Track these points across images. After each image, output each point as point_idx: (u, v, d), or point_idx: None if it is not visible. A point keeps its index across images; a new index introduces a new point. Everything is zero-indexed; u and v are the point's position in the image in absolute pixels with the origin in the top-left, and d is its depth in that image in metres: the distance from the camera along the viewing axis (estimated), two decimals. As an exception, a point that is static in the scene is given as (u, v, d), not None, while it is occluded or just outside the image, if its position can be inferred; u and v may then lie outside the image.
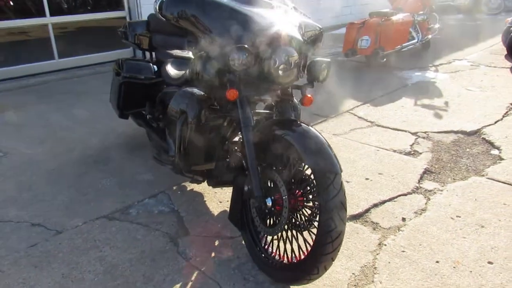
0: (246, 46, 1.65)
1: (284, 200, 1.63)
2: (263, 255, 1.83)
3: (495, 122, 3.48)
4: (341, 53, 5.81)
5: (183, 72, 2.50)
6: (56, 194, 2.51)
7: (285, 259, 1.74)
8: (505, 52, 6.06)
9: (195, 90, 1.93)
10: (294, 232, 1.72)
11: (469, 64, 5.58)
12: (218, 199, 2.44)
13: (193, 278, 1.81)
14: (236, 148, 2.12)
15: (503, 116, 3.61)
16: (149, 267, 1.88)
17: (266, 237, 1.87)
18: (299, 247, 1.67)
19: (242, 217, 1.93)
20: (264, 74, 1.75)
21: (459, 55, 6.15)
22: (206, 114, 1.89)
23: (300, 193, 1.66)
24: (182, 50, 2.85)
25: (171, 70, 2.58)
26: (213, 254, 1.96)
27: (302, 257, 1.64)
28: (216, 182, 2.14)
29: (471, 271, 1.79)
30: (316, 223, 1.62)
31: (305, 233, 1.67)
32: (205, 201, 2.43)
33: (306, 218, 1.67)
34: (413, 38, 5.83)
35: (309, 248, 1.61)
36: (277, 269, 1.74)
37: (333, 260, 1.53)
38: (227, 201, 2.41)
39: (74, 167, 2.86)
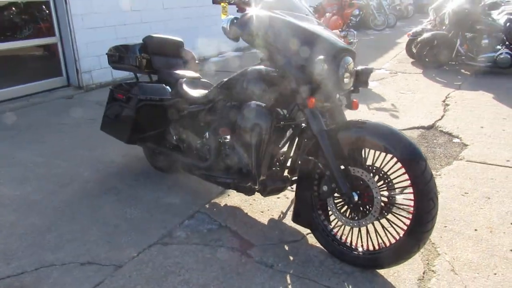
0: (323, 57, 1.83)
1: (374, 191, 1.82)
2: (344, 248, 1.98)
3: (442, 117, 4.12)
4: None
5: (206, 91, 2.55)
6: (85, 230, 2.32)
7: (370, 246, 1.92)
8: (410, 60, 7.09)
9: (260, 104, 2.03)
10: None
11: (388, 72, 6.40)
12: (259, 209, 2.51)
13: (288, 281, 1.89)
14: (286, 155, 2.25)
15: (444, 112, 4.29)
16: (240, 281, 1.89)
17: (343, 230, 2.02)
18: (386, 231, 1.87)
19: (313, 217, 2.07)
20: (330, 83, 1.94)
21: (375, 65, 6.99)
22: (275, 125, 2.00)
23: (383, 183, 1.87)
24: (181, 70, 2.88)
25: (190, 90, 2.60)
26: (291, 258, 2.05)
27: (392, 241, 1.85)
28: (269, 190, 2.23)
29: (504, 232, 2.19)
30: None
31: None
32: (246, 213, 2.48)
33: (385, 205, 1.88)
34: (339, 52, 6.48)
35: (399, 231, 1.82)
36: (367, 257, 1.91)
37: (430, 236, 1.76)
38: (268, 210, 2.51)
39: (84, 201, 2.65)
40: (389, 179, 1.89)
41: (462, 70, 6.25)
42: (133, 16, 6.22)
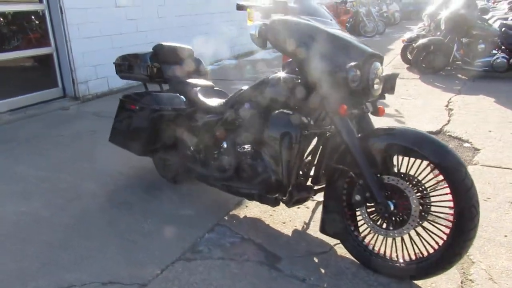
0: (357, 63, 1.78)
1: (411, 200, 1.77)
2: (378, 258, 1.92)
3: (448, 122, 4.12)
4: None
5: (222, 99, 2.48)
6: (102, 247, 2.21)
7: (406, 256, 1.86)
8: (405, 66, 7.13)
9: (288, 112, 1.97)
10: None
11: (386, 78, 6.41)
12: (280, 220, 2.43)
13: (324, 295, 1.81)
14: (309, 163, 2.19)
15: (449, 116, 4.29)
16: (273, 296, 1.81)
17: (376, 240, 1.96)
18: (423, 240, 1.81)
19: (343, 227, 2.00)
20: (360, 89, 1.88)
21: (372, 71, 7.00)
22: (304, 133, 1.94)
23: (417, 191, 1.81)
24: (193, 78, 2.80)
25: (206, 99, 2.53)
26: (322, 271, 1.97)
27: (431, 250, 1.79)
28: (295, 200, 2.16)
29: (535, 237, 2.15)
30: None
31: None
32: (268, 225, 2.40)
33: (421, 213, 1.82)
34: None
35: (437, 240, 1.77)
36: (403, 267, 1.84)
37: (472, 244, 1.70)
38: (290, 221, 2.43)
39: (96, 216, 2.54)
40: (423, 187, 1.83)
41: (459, 75, 6.30)
42: (129, 25, 6.13)
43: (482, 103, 4.75)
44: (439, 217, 1.78)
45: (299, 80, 2.04)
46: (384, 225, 1.88)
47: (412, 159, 1.83)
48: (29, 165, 3.38)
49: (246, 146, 2.25)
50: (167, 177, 2.92)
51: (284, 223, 2.41)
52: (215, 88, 2.74)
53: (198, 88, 2.61)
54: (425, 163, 1.78)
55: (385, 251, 1.93)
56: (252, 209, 2.57)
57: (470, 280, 1.88)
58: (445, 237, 1.74)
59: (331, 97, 1.86)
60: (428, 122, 4.14)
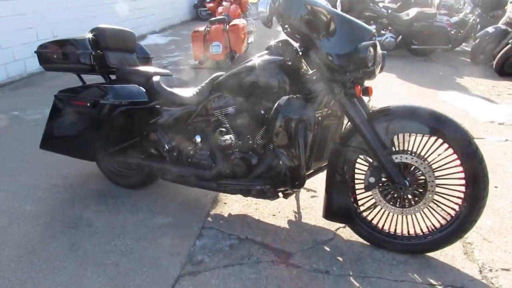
0: (372, 42, 1.72)
1: (427, 175, 1.80)
2: (390, 238, 1.94)
3: (370, 98, 4.39)
4: (187, 62, 5.90)
5: (190, 89, 2.23)
6: (77, 279, 1.80)
7: (419, 230, 1.91)
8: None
9: (298, 97, 1.82)
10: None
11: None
12: (269, 213, 2.30)
13: (356, 284, 1.76)
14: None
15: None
16: (308, 296, 1.70)
17: (385, 219, 1.97)
18: (435, 213, 1.88)
19: (350, 211, 1.97)
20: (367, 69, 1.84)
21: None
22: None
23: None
24: (135, 66, 2.46)
25: (172, 89, 2.22)
26: (340, 259, 1.92)
27: (443, 222, 1.86)
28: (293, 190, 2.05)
29: (496, 195, 2.42)
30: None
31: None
32: (258, 219, 2.25)
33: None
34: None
35: (450, 212, 1.85)
36: (417, 241, 1.89)
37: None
38: (279, 212, 2.32)
39: (51, 243, 2.05)
40: (427, 161, 1.88)
41: (354, 54, 6.79)
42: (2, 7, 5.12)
43: (387, 80, 5.19)
44: (449, 189, 1.85)
45: (290, 63, 1.92)
46: (398, 203, 1.89)
47: (419, 136, 1.86)
48: None
49: (234, 139, 2.05)
50: (121, 182, 2.52)
51: (274, 215, 2.28)
52: (174, 77, 2.43)
53: (159, 77, 2.28)
54: (432, 138, 1.83)
55: (395, 230, 1.96)
56: (232, 205, 2.38)
57: (469, 243, 2.02)
58: (457, 207, 1.83)
59: (345, 79, 1.78)
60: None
